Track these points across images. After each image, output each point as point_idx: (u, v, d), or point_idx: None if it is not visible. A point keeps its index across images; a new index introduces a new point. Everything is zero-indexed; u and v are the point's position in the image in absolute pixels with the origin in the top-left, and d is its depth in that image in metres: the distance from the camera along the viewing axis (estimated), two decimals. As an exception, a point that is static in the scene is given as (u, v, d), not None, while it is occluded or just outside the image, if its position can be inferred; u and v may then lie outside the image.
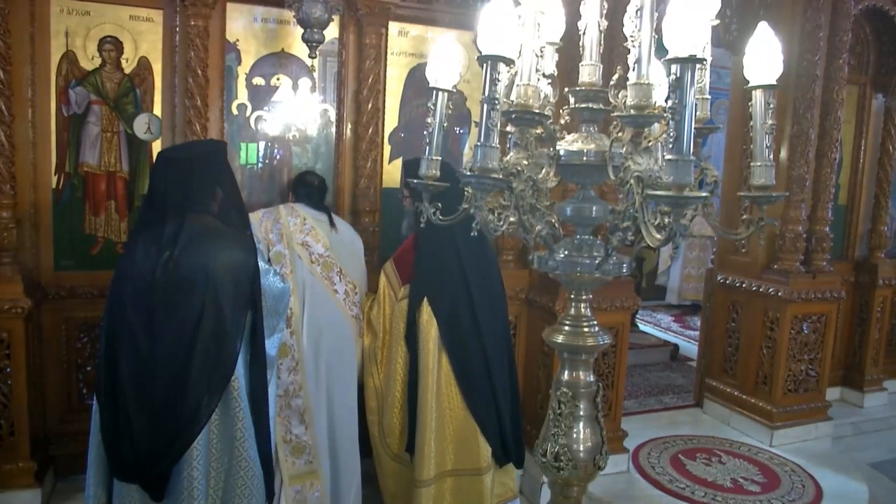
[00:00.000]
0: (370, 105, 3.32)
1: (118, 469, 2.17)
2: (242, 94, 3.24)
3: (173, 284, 2.15)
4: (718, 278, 4.63)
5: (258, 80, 3.25)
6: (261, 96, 3.27)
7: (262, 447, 2.31)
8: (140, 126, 3.11)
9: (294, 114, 3.31)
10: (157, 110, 3.13)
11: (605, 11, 1.44)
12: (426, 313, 2.74)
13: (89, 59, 3.03)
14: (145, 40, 3.08)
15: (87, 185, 3.10)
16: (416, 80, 3.46)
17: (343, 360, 2.89)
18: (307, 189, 2.99)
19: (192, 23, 3.00)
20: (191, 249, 2.18)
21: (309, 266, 2.83)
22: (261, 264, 2.37)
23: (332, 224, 2.94)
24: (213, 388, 2.16)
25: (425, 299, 2.75)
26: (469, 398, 2.74)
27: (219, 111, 3.13)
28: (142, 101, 3.11)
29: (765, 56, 1.34)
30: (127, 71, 3.08)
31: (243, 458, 2.24)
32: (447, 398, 2.75)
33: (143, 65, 3.09)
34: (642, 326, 7.07)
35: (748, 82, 1.37)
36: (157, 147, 3.12)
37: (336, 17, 3.16)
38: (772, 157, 1.38)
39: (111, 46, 3.04)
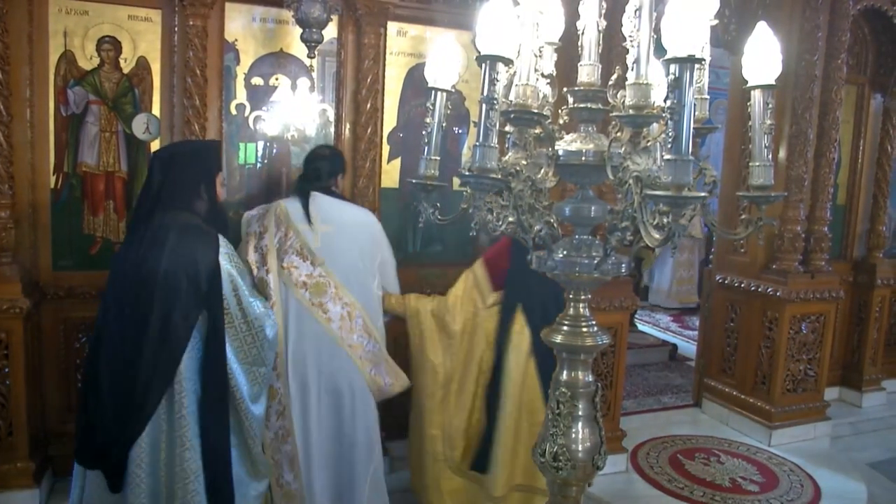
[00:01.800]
0: (369, 105, 3.32)
1: (81, 453, 2.24)
2: (241, 94, 3.23)
3: (137, 280, 2.22)
4: (717, 278, 4.63)
5: (257, 80, 3.25)
6: (259, 96, 3.26)
7: (214, 461, 2.25)
8: (139, 126, 3.10)
9: (293, 114, 3.31)
10: (156, 110, 3.12)
11: (603, 11, 1.44)
12: (519, 323, 2.67)
13: (88, 59, 3.02)
14: (144, 40, 3.07)
15: (86, 185, 3.09)
16: (415, 80, 3.46)
17: (350, 396, 2.69)
18: (317, 164, 2.81)
19: (191, 22, 3.00)
20: (153, 246, 2.24)
21: (296, 293, 2.60)
22: (233, 271, 2.37)
23: (309, 221, 2.65)
24: (157, 374, 2.19)
25: (519, 308, 2.67)
26: None
27: (217, 111, 3.13)
28: (140, 100, 3.10)
29: (763, 56, 1.34)
30: (125, 71, 3.07)
31: (182, 469, 2.21)
32: (528, 412, 2.63)
33: (142, 65, 3.09)
34: (641, 326, 7.06)
35: (747, 82, 1.37)
36: (155, 147, 3.11)
37: (335, 17, 3.16)
38: (770, 156, 1.38)
39: (110, 46, 3.03)
